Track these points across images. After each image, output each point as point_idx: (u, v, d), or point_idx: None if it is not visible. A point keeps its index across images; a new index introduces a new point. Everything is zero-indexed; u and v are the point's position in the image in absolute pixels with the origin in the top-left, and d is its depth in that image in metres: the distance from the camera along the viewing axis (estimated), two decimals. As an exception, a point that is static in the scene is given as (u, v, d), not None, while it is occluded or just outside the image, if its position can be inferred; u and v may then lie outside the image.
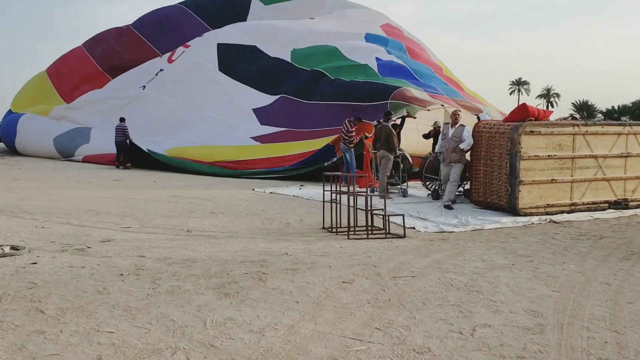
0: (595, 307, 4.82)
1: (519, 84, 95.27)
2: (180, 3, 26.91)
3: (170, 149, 19.04)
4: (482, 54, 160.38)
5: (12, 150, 24.80)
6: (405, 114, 16.66)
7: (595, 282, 5.65)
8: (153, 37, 25.51)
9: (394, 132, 12.57)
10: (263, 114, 19.69)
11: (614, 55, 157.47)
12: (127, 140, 19.12)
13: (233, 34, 22.49)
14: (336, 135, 16.01)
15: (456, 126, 10.74)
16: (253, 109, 19.92)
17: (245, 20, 25.11)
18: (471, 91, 23.36)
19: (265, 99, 20.17)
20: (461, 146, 10.54)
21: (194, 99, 20.71)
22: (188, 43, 23.07)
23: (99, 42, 26.04)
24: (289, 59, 21.09)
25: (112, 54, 25.30)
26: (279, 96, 19.95)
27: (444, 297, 5.05)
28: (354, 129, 14.47)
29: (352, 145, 14.45)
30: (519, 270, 6.04)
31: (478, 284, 5.50)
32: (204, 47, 22.27)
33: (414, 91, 17.84)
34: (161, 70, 22.55)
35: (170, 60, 22.77)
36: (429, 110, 17.30)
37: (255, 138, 18.73)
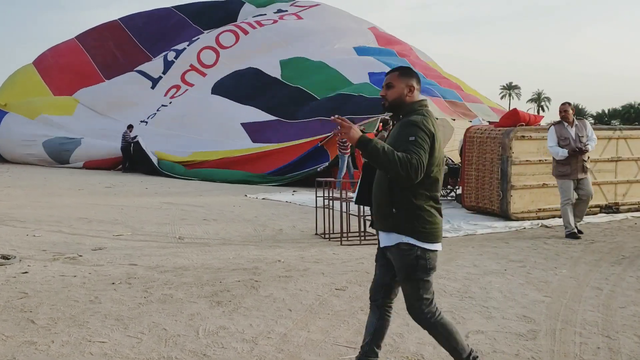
0: (587, 313, 4.83)
1: (510, 88, 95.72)
2: (173, 6, 26.98)
3: (161, 152, 19.23)
4: (473, 58, 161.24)
5: None
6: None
7: (587, 287, 5.67)
8: (144, 38, 25.60)
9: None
10: (254, 131, 19.68)
11: (604, 58, 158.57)
12: (131, 146, 20.05)
13: (229, 66, 22.62)
14: (325, 135, 16.05)
15: (576, 123, 8.26)
16: (242, 124, 19.92)
17: (235, 21, 25.21)
18: (470, 88, 23.22)
19: (252, 113, 20.17)
20: (589, 147, 8.19)
21: (188, 125, 20.83)
22: (189, 79, 23.04)
23: (92, 37, 25.97)
24: (278, 69, 21.16)
25: (105, 53, 25.31)
26: (274, 119, 19.91)
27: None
28: None
29: (347, 151, 14.46)
30: (511, 276, 6.05)
31: (471, 290, 5.50)
32: (205, 87, 22.31)
33: None
34: (162, 105, 22.51)
35: (172, 97, 22.76)
36: None
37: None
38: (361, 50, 22.31)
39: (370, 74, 20.29)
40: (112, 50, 25.49)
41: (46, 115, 23.00)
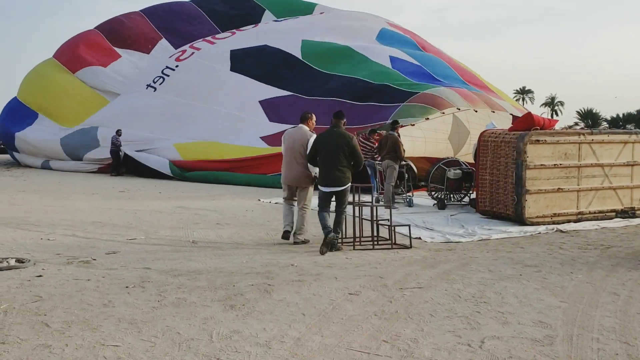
0: (604, 318, 4.77)
1: (523, 93, 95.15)
2: (192, 0, 27.11)
3: (179, 143, 19.32)
4: (487, 62, 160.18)
5: (8, 140, 24.22)
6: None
7: (604, 292, 5.59)
8: (161, 25, 25.79)
9: (400, 141, 12.53)
10: (271, 109, 19.58)
11: (618, 63, 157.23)
12: (120, 151, 20.52)
13: (243, 40, 22.67)
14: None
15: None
16: (260, 101, 19.86)
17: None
18: (490, 84, 22.89)
19: (271, 92, 20.11)
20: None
21: (202, 97, 20.84)
22: (197, 45, 23.05)
23: (112, 25, 26.08)
24: (299, 51, 21.02)
25: (120, 28, 25.47)
26: (289, 94, 19.80)
27: (451, 308, 5.01)
28: (373, 141, 14.31)
29: (378, 157, 14.29)
30: (527, 281, 5.99)
31: (486, 295, 5.45)
32: (215, 53, 22.31)
33: (432, 94, 17.63)
34: (167, 67, 22.38)
35: (178, 59, 22.68)
36: (443, 113, 17.18)
37: (264, 138, 18.68)
38: (384, 37, 22.22)
39: (392, 58, 20.13)
40: (131, 35, 25.55)
41: (83, 127, 22.81)
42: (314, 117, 8.49)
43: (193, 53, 22.69)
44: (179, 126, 20.28)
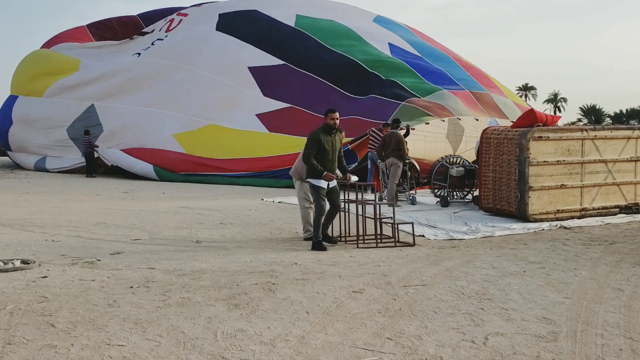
0: (608, 314, 4.77)
1: (526, 89, 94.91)
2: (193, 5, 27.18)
3: (179, 134, 19.04)
4: (490, 59, 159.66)
5: (4, 142, 24.07)
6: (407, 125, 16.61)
7: (608, 288, 5.60)
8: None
9: (404, 139, 12.53)
10: (263, 79, 19.11)
11: (621, 59, 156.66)
12: (94, 152, 20.41)
13: (231, 4, 22.41)
14: (359, 140, 15.87)
15: None
16: (249, 67, 19.40)
17: None
18: (491, 77, 22.38)
19: (261, 58, 19.62)
20: None
21: (187, 58, 20.47)
22: (184, 12, 22.76)
23: (103, 26, 26.17)
24: (292, 22, 20.60)
25: (109, 30, 25.56)
26: (281, 63, 19.36)
27: (455, 305, 5.02)
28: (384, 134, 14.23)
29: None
30: (531, 277, 5.99)
31: (489, 291, 5.46)
32: (203, 15, 21.99)
33: (429, 103, 17.57)
34: (158, 39, 22.15)
35: (168, 30, 22.45)
36: (444, 121, 17.14)
37: (260, 116, 18.37)
38: (381, 21, 22.06)
39: (391, 46, 19.89)
40: (119, 35, 25.55)
41: (52, 86, 22.47)
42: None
43: (181, 20, 22.34)
44: (170, 103, 19.68)
